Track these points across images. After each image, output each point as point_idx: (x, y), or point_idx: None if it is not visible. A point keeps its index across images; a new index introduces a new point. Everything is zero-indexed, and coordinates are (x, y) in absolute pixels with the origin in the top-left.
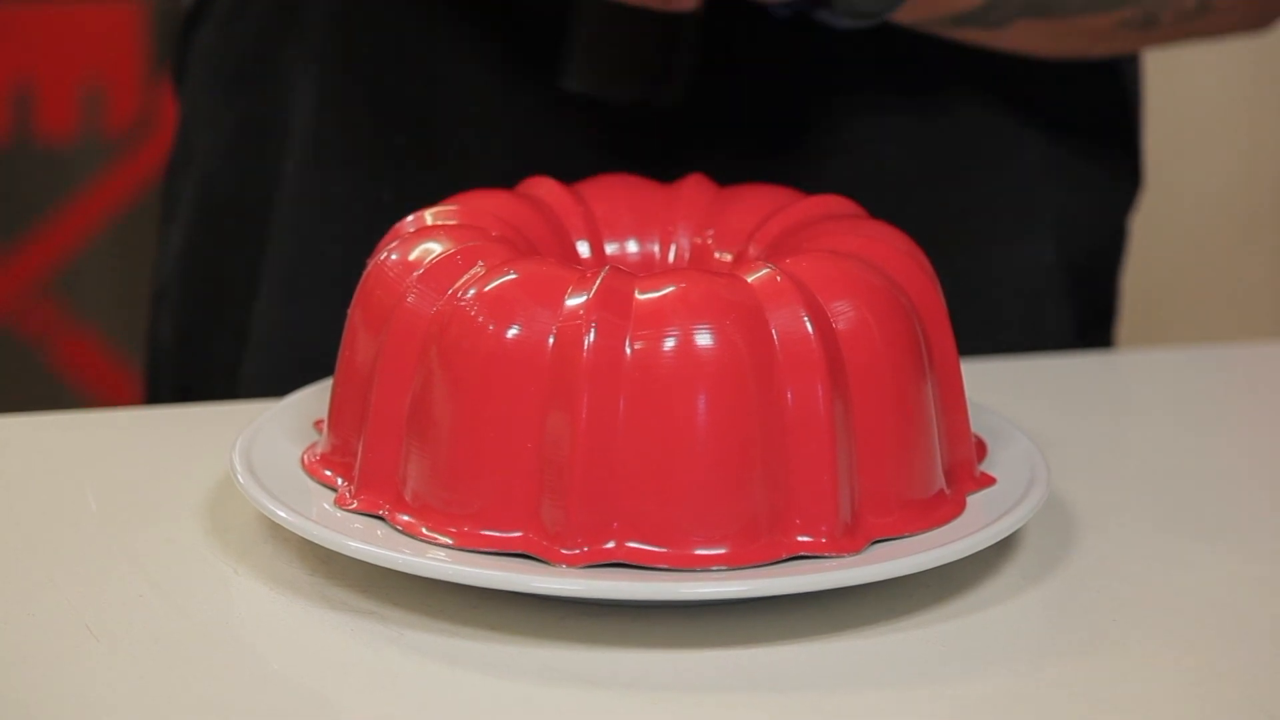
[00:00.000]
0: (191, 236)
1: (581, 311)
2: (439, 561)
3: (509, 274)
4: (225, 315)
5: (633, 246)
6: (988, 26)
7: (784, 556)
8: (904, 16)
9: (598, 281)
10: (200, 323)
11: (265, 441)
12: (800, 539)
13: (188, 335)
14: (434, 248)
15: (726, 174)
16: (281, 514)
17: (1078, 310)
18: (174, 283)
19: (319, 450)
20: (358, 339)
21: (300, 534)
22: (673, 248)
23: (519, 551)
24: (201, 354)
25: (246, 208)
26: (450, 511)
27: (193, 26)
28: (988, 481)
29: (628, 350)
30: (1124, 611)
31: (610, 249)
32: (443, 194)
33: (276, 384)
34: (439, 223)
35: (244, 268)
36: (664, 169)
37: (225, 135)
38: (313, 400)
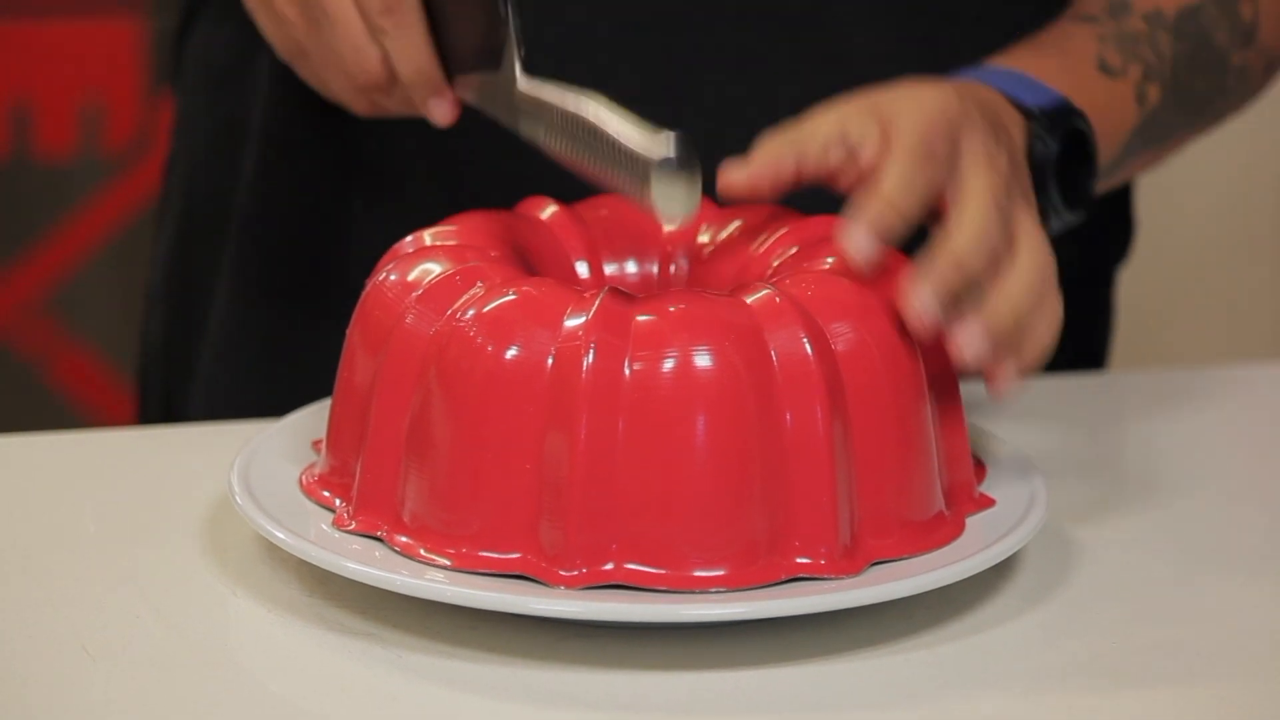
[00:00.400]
0: (177, 238)
1: (580, 332)
2: (437, 583)
3: (508, 295)
4: (205, 317)
5: (631, 267)
6: (1111, 174)
7: (783, 578)
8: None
9: (596, 302)
10: (183, 325)
11: (263, 462)
12: (799, 560)
13: (173, 335)
14: (433, 268)
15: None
16: (279, 535)
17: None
18: (161, 284)
19: (317, 471)
20: (356, 359)
21: (298, 555)
22: (672, 268)
23: (517, 573)
24: (184, 357)
25: (221, 210)
26: (448, 532)
27: (186, 31)
28: (987, 503)
29: (626, 371)
30: (1123, 634)
31: (609, 269)
32: (395, 202)
33: (232, 385)
34: (438, 243)
35: (216, 270)
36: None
37: (206, 138)
38: (311, 420)
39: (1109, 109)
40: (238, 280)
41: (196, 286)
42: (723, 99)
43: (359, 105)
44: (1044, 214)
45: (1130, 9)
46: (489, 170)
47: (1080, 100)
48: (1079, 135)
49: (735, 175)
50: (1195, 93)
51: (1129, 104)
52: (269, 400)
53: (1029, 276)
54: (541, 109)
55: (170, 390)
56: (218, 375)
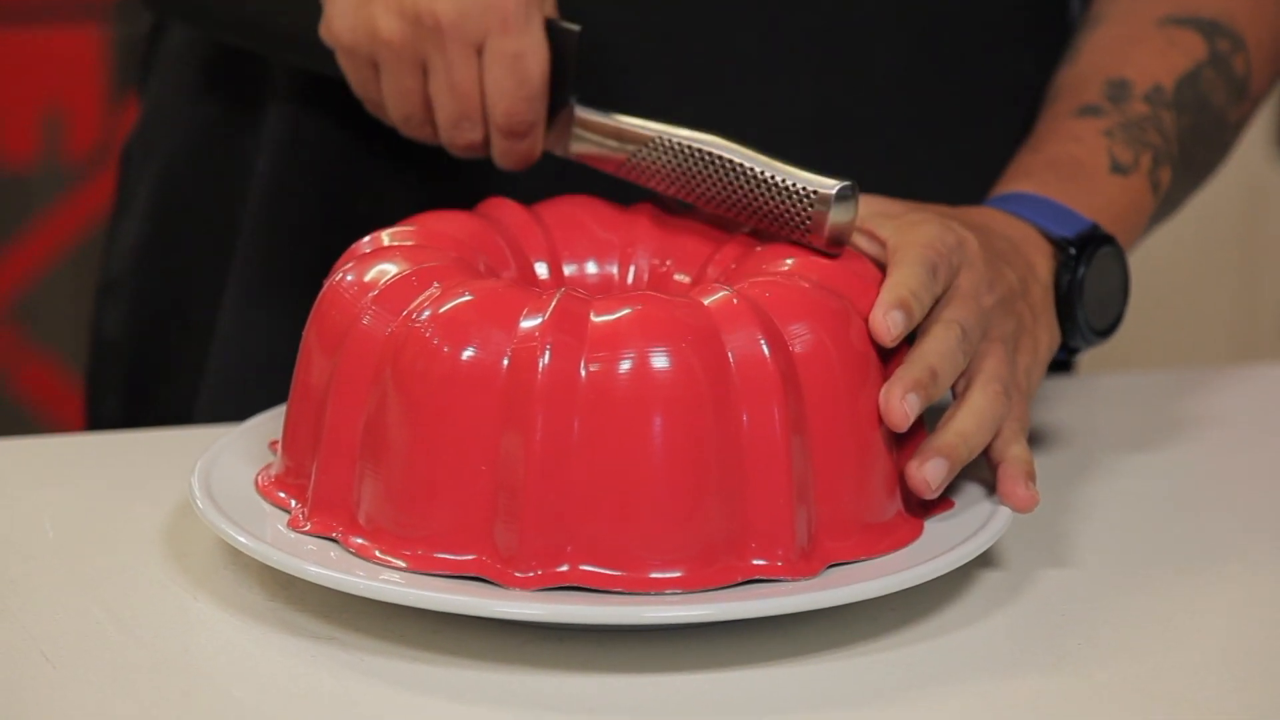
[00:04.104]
0: (149, 231)
1: (537, 333)
2: (397, 585)
3: (464, 295)
4: (187, 313)
5: (592, 268)
6: (1166, 216)
7: (740, 580)
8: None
9: (553, 303)
10: (158, 318)
11: (225, 465)
12: (756, 562)
13: (142, 330)
14: (389, 269)
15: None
16: (241, 539)
17: None
18: (127, 276)
19: (273, 472)
20: (312, 360)
21: (260, 559)
22: (631, 269)
23: (473, 574)
24: (158, 349)
25: (212, 206)
26: (404, 534)
27: (161, 26)
28: (947, 506)
29: (583, 372)
30: (1088, 635)
31: (569, 270)
32: (416, 206)
33: (238, 385)
34: (395, 243)
35: (208, 267)
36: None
37: (192, 134)
38: (273, 424)
39: (1129, 209)
40: (245, 278)
41: (179, 282)
42: (744, 103)
43: (409, 134)
44: (1070, 336)
45: (1130, 91)
46: (501, 173)
47: (1103, 213)
48: (1106, 257)
49: None
50: (1198, 160)
51: (1145, 196)
52: (278, 401)
53: (979, 413)
54: (628, 136)
55: (133, 386)
56: (227, 375)
